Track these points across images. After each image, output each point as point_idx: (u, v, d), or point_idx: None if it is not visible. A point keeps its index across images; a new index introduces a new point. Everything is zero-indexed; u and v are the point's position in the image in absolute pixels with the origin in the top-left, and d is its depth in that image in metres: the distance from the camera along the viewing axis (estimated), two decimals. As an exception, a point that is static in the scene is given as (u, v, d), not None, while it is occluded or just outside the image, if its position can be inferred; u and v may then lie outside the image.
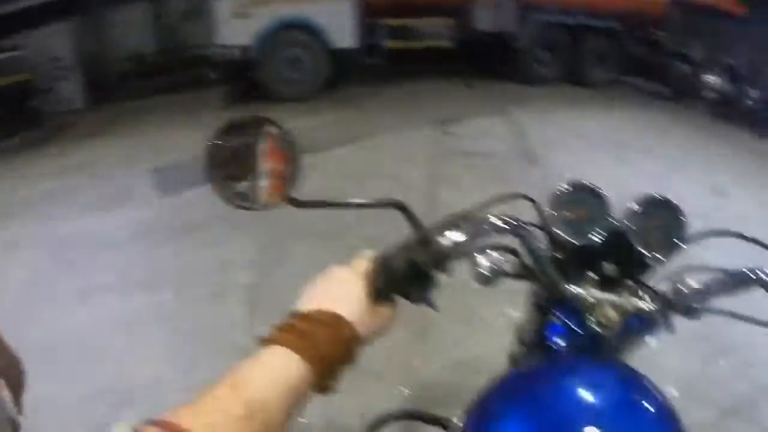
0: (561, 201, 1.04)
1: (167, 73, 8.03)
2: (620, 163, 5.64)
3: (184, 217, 3.98)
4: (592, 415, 0.82)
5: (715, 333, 3.03)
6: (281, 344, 0.64)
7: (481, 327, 3.01)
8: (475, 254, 1.06)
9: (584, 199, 1.05)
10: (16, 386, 1.24)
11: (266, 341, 0.66)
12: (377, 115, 7.05)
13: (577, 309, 1.00)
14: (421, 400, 2.53)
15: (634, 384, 0.93)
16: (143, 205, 4.18)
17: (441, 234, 0.81)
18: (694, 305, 0.99)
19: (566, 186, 1.05)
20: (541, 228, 1.02)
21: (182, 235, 3.81)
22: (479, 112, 7.37)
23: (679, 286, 1.00)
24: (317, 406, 2.38)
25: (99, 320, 2.97)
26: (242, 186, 0.78)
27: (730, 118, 8.02)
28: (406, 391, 2.62)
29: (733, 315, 1.00)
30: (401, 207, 0.81)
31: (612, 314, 0.96)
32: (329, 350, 0.66)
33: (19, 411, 1.32)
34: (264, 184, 0.78)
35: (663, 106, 8.69)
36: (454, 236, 0.82)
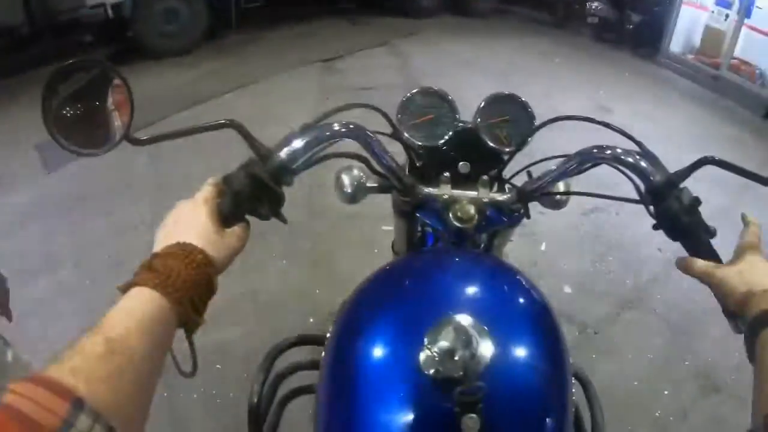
0: (409, 108, 1.07)
1: (40, 44, 7.44)
2: (507, 87, 5.70)
3: (74, 189, 3.77)
4: (458, 300, 0.86)
5: (603, 233, 3.25)
6: (137, 284, 0.66)
7: (377, 249, 3.07)
8: (342, 175, 1.09)
9: (432, 104, 1.08)
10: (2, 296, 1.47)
11: (124, 287, 0.67)
12: (261, 61, 6.84)
13: (437, 209, 1.05)
14: (326, 326, 2.57)
15: (498, 271, 0.98)
16: (29, 186, 3.91)
17: (281, 148, 0.82)
18: (547, 190, 1.04)
19: (412, 92, 1.08)
20: (391, 135, 1.04)
21: (74, 208, 3.62)
22: (365, 48, 7.31)
23: (530, 174, 1.05)
24: (228, 347, 2.39)
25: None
26: (83, 132, 0.76)
27: (612, 42, 8.38)
28: (312, 319, 2.71)
29: (583, 194, 1.06)
30: (236, 126, 0.81)
31: (469, 208, 1.01)
32: (183, 278, 0.67)
33: (8, 318, 1.51)
34: (105, 127, 0.77)
35: (548, 33, 8.91)
36: (293, 146, 0.83)
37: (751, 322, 0.73)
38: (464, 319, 0.75)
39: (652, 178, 0.87)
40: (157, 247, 0.74)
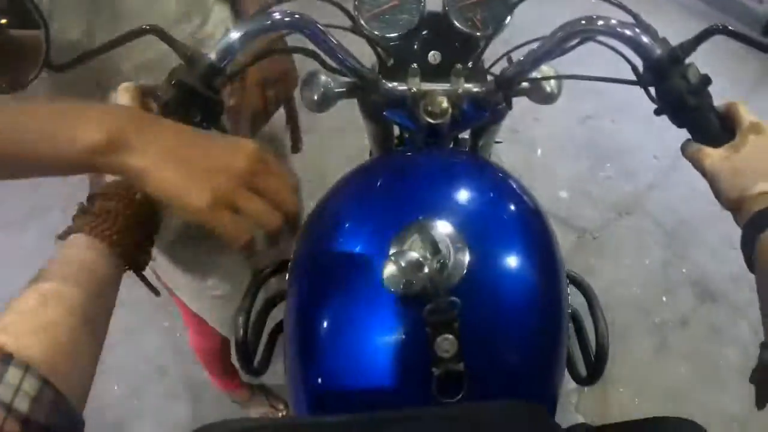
0: None
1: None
2: None
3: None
4: (432, 203, 0.77)
5: (599, 140, 3.20)
6: (73, 231, 0.62)
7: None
8: (306, 81, 1.00)
9: None
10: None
11: (63, 234, 0.62)
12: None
13: (407, 106, 0.95)
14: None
15: (481, 170, 0.90)
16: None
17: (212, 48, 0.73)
18: (530, 75, 0.93)
19: None
20: (349, 29, 0.92)
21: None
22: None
23: (510, 61, 0.94)
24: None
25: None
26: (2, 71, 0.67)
27: None
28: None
29: (571, 76, 0.93)
30: (157, 31, 0.72)
31: (441, 101, 0.91)
32: (122, 220, 0.62)
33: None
34: (25, 60, 0.67)
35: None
36: (225, 42, 0.73)
37: (745, 227, 0.67)
38: (437, 225, 0.67)
39: (652, 53, 0.74)
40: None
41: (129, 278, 0.65)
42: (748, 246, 0.66)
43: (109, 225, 0.61)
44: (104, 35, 0.91)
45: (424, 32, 0.97)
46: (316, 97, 0.99)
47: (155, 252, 1.22)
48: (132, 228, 0.63)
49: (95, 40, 0.95)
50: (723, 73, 3.39)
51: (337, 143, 3.19)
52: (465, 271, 0.66)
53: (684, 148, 0.78)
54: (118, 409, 2.21)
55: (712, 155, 0.73)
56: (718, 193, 0.73)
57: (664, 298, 2.46)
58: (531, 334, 0.73)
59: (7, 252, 2.90)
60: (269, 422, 0.47)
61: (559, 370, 0.79)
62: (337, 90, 0.99)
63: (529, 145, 3.17)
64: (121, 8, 0.96)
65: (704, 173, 0.74)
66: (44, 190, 3.26)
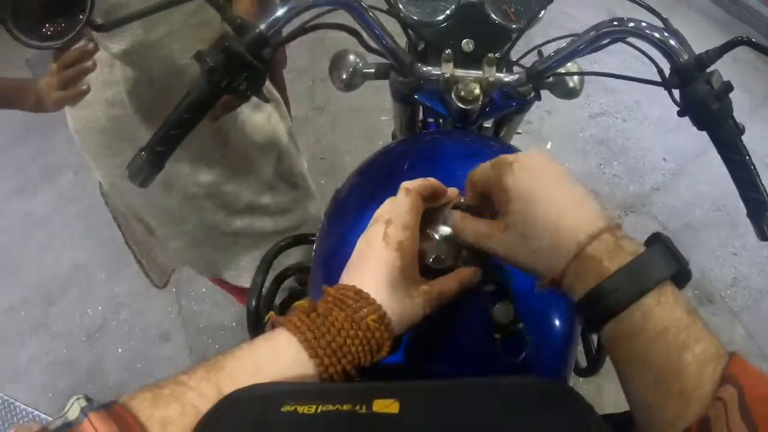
0: None
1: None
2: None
3: (69, 97, 3.71)
4: (461, 181, 0.78)
5: (609, 138, 3.21)
6: (285, 326, 0.52)
7: (381, 141, 3.02)
8: (336, 60, 1.03)
9: None
10: None
11: (274, 320, 0.54)
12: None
13: (438, 91, 0.98)
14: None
15: (504, 151, 0.91)
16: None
17: (260, 18, 0.77)
18: (558, 70, 0.96)
19: None
20: (387, 12, 0.96)
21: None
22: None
23: (541, 55, 0.97)
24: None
25: (5, 231, 2.89)
26: (42, 24, 0.68)
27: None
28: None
29: (599, 73, 0.98)
30: None
31: (473, 87, 0.94)
32: (341, 343, 0.51)
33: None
34: (65, 17, 0.68)
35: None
36: (273, 14, 0.77)
37: (583, 314, 0.51)
38: None
39: (678, 57, 0.77)
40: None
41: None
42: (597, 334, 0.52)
43: (327, 343, 0.51)
44: None
45: (459, 20, 0.99)
46: (345, 76, 1.03)
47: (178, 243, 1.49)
48: (349, 355, 0.52)
49: None
50: (737, 82, 3.41)
51: (347, 123, 3.23)
52: None
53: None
54: (120, 371, 2.25)
55: (495, 225, 0.57)
56: (522, 269, 0.55)
57: (663, 299, 2.49)
58: (561, 314, 0.75)
59: (20, 215, 2.94)
60: (300, 386, 0.44)
61: (574, 352, 0.82)
62: (366, 70, 1.02)
63: (541, 137, 3.19)
64: None
65: (488, 246, 0.57)
66: (59, 151, 3.28)
